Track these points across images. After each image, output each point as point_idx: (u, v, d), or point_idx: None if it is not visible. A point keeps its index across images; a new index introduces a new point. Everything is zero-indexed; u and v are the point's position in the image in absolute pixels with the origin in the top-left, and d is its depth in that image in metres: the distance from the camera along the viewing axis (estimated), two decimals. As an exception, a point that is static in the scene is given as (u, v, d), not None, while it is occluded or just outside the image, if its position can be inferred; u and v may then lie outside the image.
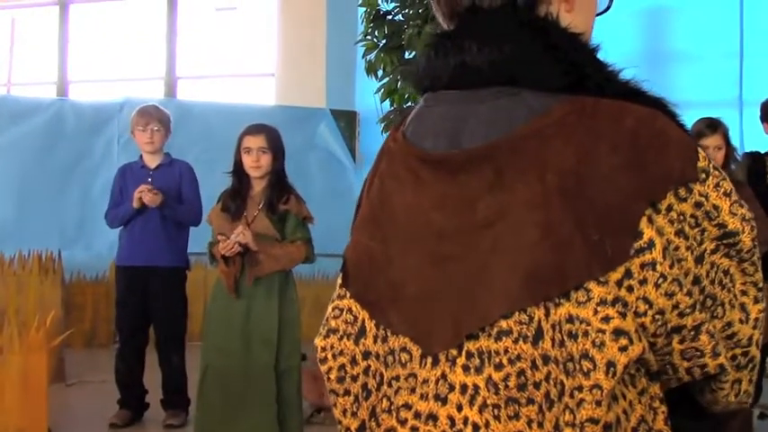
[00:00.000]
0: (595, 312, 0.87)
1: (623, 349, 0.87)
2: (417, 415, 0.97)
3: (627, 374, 0.91)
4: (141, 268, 4.35)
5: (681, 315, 0.90)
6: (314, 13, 7.70)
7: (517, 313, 0.91)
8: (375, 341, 1.02)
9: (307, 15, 7.77)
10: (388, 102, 5.47)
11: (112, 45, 8.87)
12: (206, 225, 4.15)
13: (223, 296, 3.55)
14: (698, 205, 0.91)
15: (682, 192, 0.90)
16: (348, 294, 1.06)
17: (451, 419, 0.95)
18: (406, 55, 5.34)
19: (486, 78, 0.96)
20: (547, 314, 0.90)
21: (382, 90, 5.40)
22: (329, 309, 1.07)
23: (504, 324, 0.91)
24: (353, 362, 1.04)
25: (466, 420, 0.94)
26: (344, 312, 1.05)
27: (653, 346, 0.91)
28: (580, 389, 0.87)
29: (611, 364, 0.86)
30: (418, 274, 0.98)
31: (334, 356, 1.05)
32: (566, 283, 0.89)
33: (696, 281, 0.91)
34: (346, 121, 7.43)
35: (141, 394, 4.52)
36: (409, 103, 5.38)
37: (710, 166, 0.92)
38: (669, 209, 0.90)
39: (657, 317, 0.89)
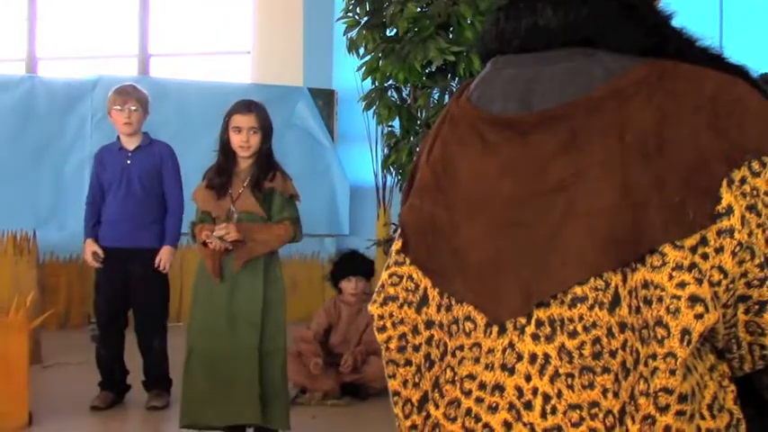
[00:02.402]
0: (670, 278, 0.85)
1: (699, 317, 0.84)
2: (482, 386, 0.95)
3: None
4: (122, 250, 4.27)
5: (748, 285, 0.88)
6: (291, -11, 7.59)
7: (593, 279, 0.88)
8: (438, 310, 1.00)
9: (283, -8, 7.67)
10: (368, 81, 5.42)
11: (83, 21, 8.69)
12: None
13: (207, 277, 3.49)
14: None
15: (755, 165, 0.87)
16: (408, 261, 1.02)
17: (519, 390, 0.92)
18: (388, 32, 5.29)
19: (561, 40, 0.94)
20: (624, 280, 0.87)
21: (364, 68, 5.34)
22: (384, 275, 1.04)
23: (578, 290, 0.89)
24: (415, 331, 1.01)
25: (535, 390, 0.91)
26: (404, 279, 1.02)
27: (722, 317, 0.88)
28: (654, 357, 0.85)
29: (685, 332, 0.84)
30: (485, 240, 0.96)
31: (393, 325, 1.02)
32: (640, 245, 0.86)
33: (766, 261, 0.88)
34: (324, 100, 7.35)
35: (123, 376, 4.46)
36: (390, 81, 5.34)
37: None
38: (743, 181, 0.87)
39: (731, 286, 0.87)
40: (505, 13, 0.99)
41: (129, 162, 4.33)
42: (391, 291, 1.03)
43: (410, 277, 1.02)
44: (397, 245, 1.04)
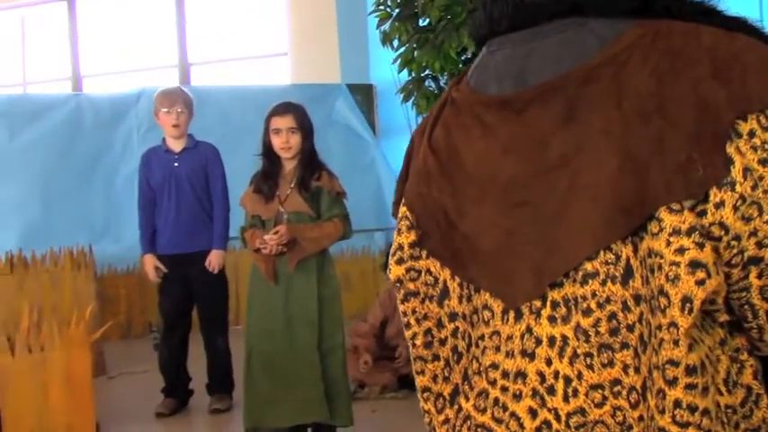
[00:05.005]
0: (668, 244, 0.81)
1: (700, 283, 0.79)
2: (505, 374, 0.93)
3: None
4: (180, 255, 4.34)
5: (759, 245, 0.83)
6: (322, -12, 7.62)
7: (603, 253, 0.85)
8: (460, 301, 0.98)
9: (315, -9, 7.70)
10: (405, 72, 5.41)
11: (122, 36, 8.85)
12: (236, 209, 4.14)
13: (261, 281, 3.52)
14: None
15: (763, 120, 0.83)
16: (424, 255, 1.01)
17: (541, 375, 0.89)
18: (421, 22, 5.27)
19: (548, 13, 0.92)
20: (635, 251, 0.84)
21: (399, 60, 5.33)
22: (401, 270, 1.02)
23: (589, 266, 0.86)
24: (440, 325, 1.00)
25: (557, 374, 0.88)
26: (423, 274, 1.01)
27: (728, 279, 0.84)
28: (660, 328, 0.81)
29: (686, 300, 0.79)
30: (493, 224, 0.93)
31: (418, 321, 1.01)
32: (644, 209, 0.82)
33: None
34: (363, 95, 7.37)
35: (185, 381, 4.54)
36: (426, 71, 5.33)
37: None
38: (751, 134, 0.82)
39: (733, 243, 0.83)
40: None
41: (176, 164, 4.39)
42: (411, 286, 1.01)
43: (428, 271, 1.00)
44: (408, 237, 1.02)
